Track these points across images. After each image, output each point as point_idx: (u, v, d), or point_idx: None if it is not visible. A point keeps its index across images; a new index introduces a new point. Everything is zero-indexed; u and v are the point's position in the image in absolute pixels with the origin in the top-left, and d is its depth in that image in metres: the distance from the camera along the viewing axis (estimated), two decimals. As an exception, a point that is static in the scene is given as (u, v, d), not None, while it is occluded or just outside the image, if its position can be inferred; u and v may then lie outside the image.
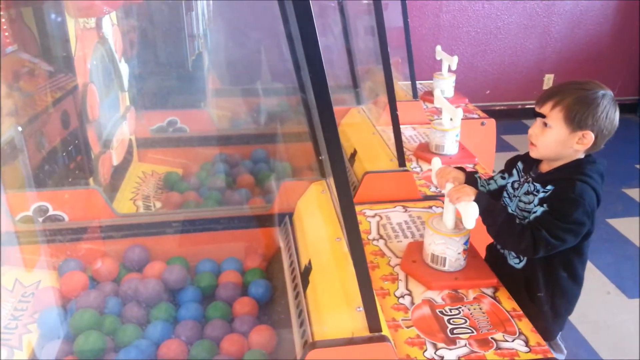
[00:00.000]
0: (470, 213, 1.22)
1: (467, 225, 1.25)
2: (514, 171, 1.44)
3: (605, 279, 2.63)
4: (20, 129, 1.48)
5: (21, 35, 1.57)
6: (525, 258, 1.37)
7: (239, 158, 2.28)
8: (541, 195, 1.30)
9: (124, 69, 2.13)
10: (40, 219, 1.50)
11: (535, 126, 1.33)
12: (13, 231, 1.44)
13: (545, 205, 1.28)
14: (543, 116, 1.30)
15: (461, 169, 1.50)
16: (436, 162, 1.46)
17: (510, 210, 1.38)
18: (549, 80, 4.74)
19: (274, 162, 2.28)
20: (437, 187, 1.82)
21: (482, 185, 1.49)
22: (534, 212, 1.29)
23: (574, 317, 1.84)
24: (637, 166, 4.00)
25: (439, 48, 2.97)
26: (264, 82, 2.59)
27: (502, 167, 1.51)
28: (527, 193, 1.35)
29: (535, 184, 1.33)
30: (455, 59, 2.76)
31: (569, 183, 1.26)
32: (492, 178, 1.51)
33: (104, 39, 1.93)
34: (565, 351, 1.46)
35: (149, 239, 1.57)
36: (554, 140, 1.30)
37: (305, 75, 1.27)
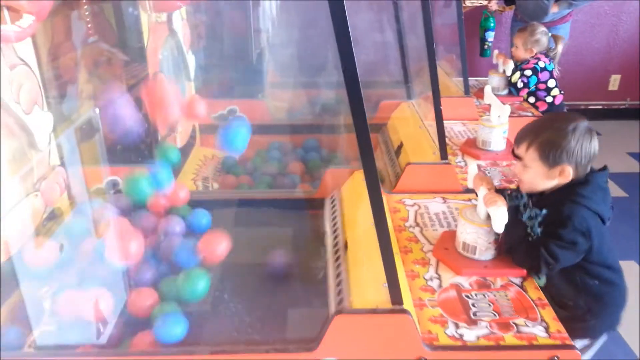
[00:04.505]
0: (500, 218, 1.29)
1: (496, 229, 1.31)
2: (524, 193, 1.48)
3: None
4: (97, 110, 1.66)
5: (101, 28, 1.77)
6: (545, 276, 1.41)
7: (291, 146, 2.41)
8: (539, 219, 1.36)
9: (191, 60, 2.30)
10: (112, 192, 1.69)
11: (517, 165, 1.42)
12: (87, 201, 1.63)
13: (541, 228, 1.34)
14: (520, 158, 1.39)
15: None
16: (473, 168, 1.53)
17: None
18: (615, 81, 4.56)
19: (324, 151, 2.40)
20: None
21: (510, 201, 1.53)
22: (537, 235, 1.35)
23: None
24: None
25: (496, 52, 3.00)
26: (318, 76, 2.70)
27: None
28: (530, 218, 1.39)
29: (534, 209, 1.38)
30: (511, 64, 2.79)
31: (559, 205, 1.32)
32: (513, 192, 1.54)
33: (174, 32, 2.10)
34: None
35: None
36: (535, 177, 1.38)
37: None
